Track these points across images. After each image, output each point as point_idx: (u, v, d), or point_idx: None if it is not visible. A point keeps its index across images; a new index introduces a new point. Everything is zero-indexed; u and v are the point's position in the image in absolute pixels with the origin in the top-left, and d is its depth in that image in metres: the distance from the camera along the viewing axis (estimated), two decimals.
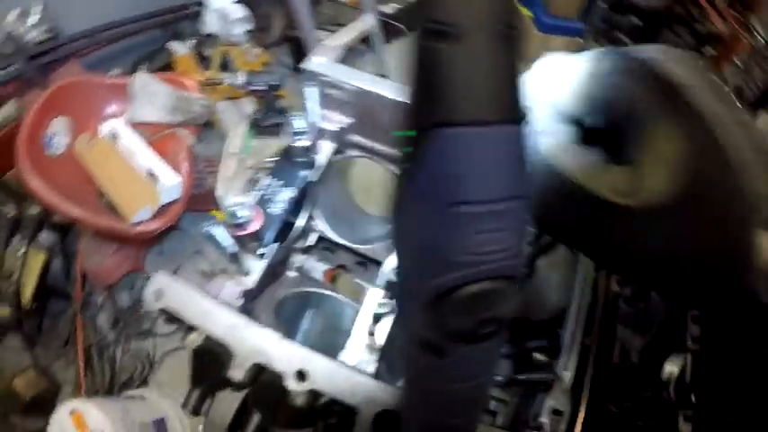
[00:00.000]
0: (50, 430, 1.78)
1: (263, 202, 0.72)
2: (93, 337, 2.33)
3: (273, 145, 2.55)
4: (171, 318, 0.78)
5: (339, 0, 3.29)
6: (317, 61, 0.85)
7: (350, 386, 0.57)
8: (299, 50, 3.23)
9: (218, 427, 0.85)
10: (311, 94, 0.76)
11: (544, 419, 0.63)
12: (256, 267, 0.76)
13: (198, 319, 0.61)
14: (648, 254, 0.51)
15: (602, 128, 0.54)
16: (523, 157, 0.24)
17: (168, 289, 0.61)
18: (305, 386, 0.56)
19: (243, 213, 0.65)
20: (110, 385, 2.25)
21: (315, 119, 0.77)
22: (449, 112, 0.21)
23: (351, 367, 0.58)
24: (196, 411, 0.87)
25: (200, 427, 2.33)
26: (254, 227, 0.68)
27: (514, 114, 0.23)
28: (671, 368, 0.76)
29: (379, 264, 0.98)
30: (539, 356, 0.79)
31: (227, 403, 0.87)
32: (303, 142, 0.76)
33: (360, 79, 0.84)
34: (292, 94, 3.36)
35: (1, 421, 2.33)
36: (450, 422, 0.37)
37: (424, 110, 0.22)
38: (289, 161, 0.82)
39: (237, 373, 0.59)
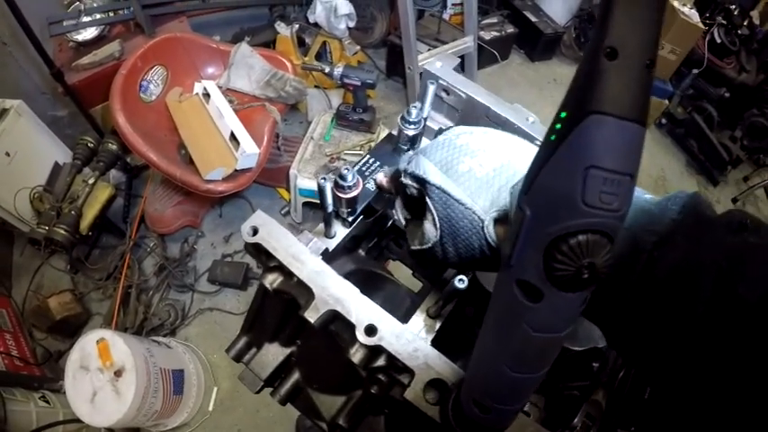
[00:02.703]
0: (73, 353, 1.90)
1: (360, 176, 0.81)
2: (135, 278, 2.50)
3: (353, 138, 2.70)
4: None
5: (443, 18, 3.42)
6: (438, 64, 0.96)
7: (411, 349, 0.66)
8: (393, 57, 3.39)
9: (255, 377, 0.93)
10: (430, 90, 0.87)
11: (577, 421, 0.69)
12: (341, 233, 0.85)
13: (287, 259, 0.70)
14: None
15: None
16: (640, 149, 0.36)
17: (264, 227, 0.71)
18: (373, 340, 0.65)
19: (351, 177, 0.74)
20: (139, 327, 2.43)
21: (426, 114, 0.87)
22: (603, 105, 0.33)
23: (414, 334, 0.66)
24: (238, 358, 0.94)
25: (215, 390, 2.46)
26: (353, 193, 0.76)
27: (643, 119, 0.35)
28: None
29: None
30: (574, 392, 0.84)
31: (270, 357, 0.95)
32: (411, 131, 0.86)
33: (472, 89, 0.94)
34: (380, 96, 3.52)
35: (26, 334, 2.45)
36: (518, 376, 0.44)
37: (583, 100, 0.34)
38: (391, 145, 0.92)
39: (312, 314, 0.68)
